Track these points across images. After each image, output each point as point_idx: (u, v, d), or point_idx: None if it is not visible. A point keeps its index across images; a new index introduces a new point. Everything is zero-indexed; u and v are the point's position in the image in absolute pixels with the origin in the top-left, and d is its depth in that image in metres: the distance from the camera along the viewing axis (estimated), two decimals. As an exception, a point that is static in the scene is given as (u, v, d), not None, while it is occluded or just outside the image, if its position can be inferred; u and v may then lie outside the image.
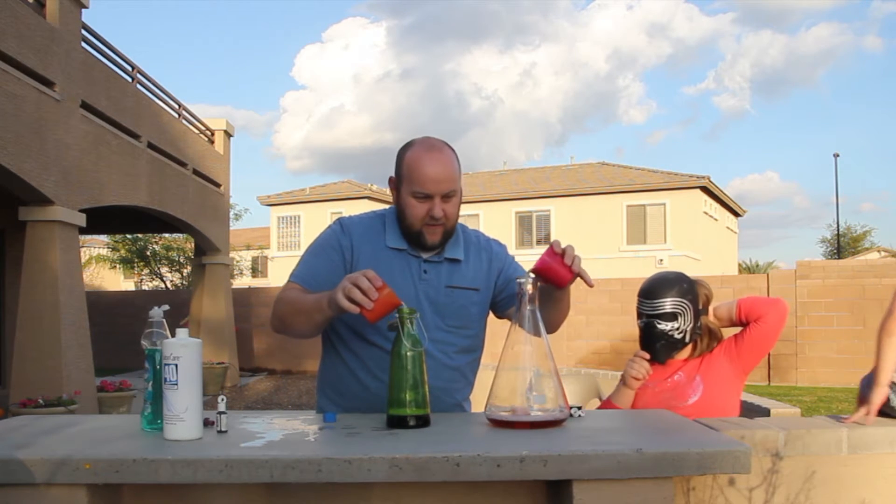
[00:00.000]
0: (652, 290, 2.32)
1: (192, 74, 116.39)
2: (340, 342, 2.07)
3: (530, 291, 1.74)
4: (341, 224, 2.07)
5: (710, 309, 2.40)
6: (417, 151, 1.95)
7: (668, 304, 2.29)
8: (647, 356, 2.35)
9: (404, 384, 1.71)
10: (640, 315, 2.36)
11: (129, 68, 9.04)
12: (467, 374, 2.12)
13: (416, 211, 1.94)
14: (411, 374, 1.71)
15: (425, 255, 2.02)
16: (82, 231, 7.94)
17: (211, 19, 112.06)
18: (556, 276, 1.82)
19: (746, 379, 2.41)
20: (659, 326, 2.30)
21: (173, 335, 1.64)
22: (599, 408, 2.52)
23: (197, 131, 11.59)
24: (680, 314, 2.29)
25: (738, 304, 2.36)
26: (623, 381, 2.40)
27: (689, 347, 2.36)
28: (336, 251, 2.01)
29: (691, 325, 2.31)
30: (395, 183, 2.00)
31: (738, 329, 2.40)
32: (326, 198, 27.10)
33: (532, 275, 1.79)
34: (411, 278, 2.00)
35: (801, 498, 1.72)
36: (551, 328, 1.97)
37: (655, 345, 2.32)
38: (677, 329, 2.29)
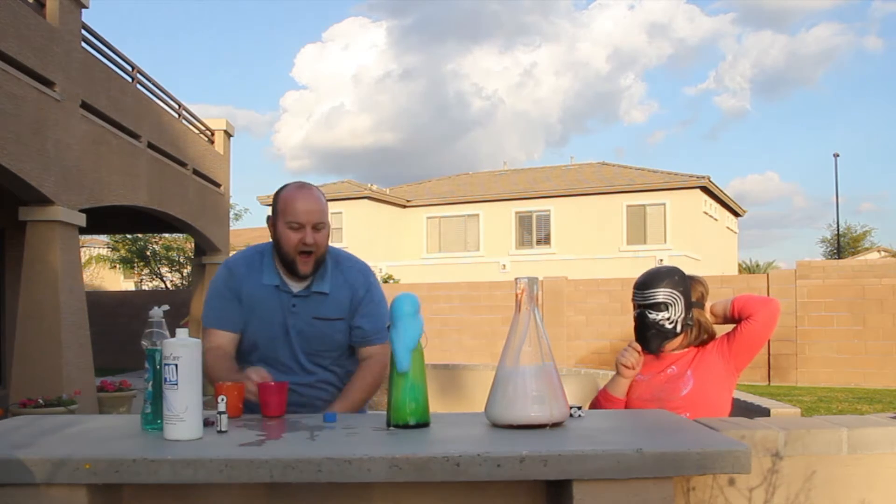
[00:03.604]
0: (646, 281, 2.43)
1: (193, 74, 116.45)
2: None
3: (532, 293, 1.74)
4: (228, 268, 2.37)
5: (707, 306, 2.47)
6: (290, 190, 2.29)
7: (660, 294, 2.38)
8: (640, 348, 2.45)
9: (403, 389, 1.71)
10: (634, 306, 2.46)
11: (129, 68, 9.04)
12: (333, 382, 2.39)
13: (290, 240, 2.22)
14: (410, 379, 1.72)
15: (295, 290, 2.29)
16: (82, 231, 7.93)
17: (211, 19, 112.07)
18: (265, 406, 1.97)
19: (740, 377, 2.47)
20: (650, 316, 2.39)
21: (173, 335, 1.65)
22: (596, 398, 2.59)
23: (197, 131, 11.59)
24: (671, 304, 2.38)
25: (732, 302, 2.44)
26: (616, 371, 2.48)
27: (681, 338, 2.42)
28: (230, 291, 2.33)
29: (682, 316, 2.39)
30: (272, 220, 2.29)
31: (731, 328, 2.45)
32: (326, 198, 27.03)
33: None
34: (281, 311, 2.29)
35: (801, 498, 1.72)
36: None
37: (647, 333, 2.42)
38: (668, 319, 2.38)
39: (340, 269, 2.36)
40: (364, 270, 2.42)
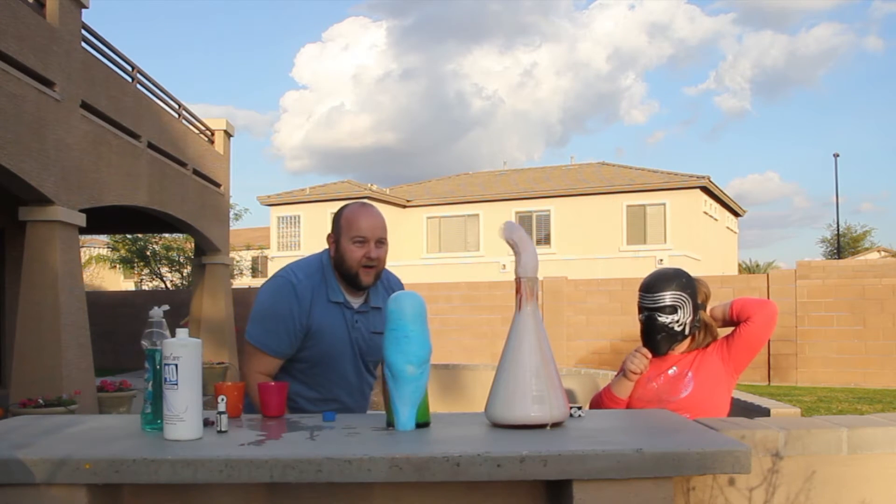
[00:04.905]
0: (652, 284, 2.41)
1: (194, 74, 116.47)
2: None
3: (533, 292, 1.74)
4: (295, 292, 2.31)
5: (708, 308, 2.48)
6: (354, 208, 2.39)
7: (668, 297, 2.37)
8: (649, 354, 2.42)
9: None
10: (641, 309, 2.44)
11: (129, 68, 9.04)
12: (372, 387, 2.55)
13: (355, 255, 2.30)
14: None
15: (355, 306, 2.38)
16: (82, 231, 7.93)
17: (211, 19, 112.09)
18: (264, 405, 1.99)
19: (739, 378, 2.48)
20: (660, 319, 2.38)
21: (173, 335, 1.65)
22: (599, 396, 2.58)
23: (197, 131, 11.58)
24: (679, 307, 2.37)
25: (730, 304, 2.44)
26: (623, 373, 2.46)
27: (688, 340, 2.43)
28: (296, 320, 2.29)
29: (690, 318, 2.39)
30: (334, 238, 2.36)
31: (731, 330, 2.46)
32: (326, 198, 27.07)
33: None
34: (346, 328, 2.36)
35: (801, 498, 1.72)
36: None
37: (656, 337, 2.40)
38: (677, 321, 2.37)
39: (384, 283, 2.45)
40: (399, 282, 2.54)
